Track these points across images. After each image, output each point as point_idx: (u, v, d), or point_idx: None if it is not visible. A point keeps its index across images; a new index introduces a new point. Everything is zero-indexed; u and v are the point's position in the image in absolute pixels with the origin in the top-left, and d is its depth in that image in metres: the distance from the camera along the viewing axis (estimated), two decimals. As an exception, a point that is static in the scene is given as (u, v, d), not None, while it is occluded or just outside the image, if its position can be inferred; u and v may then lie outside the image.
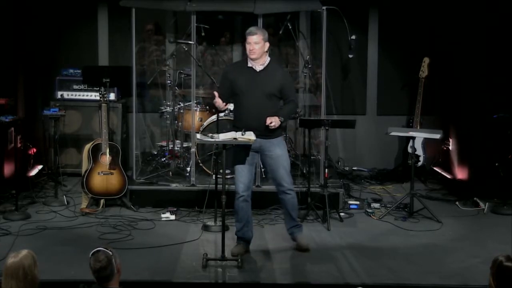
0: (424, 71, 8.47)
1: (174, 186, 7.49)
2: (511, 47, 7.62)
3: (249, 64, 5.93)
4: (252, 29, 5.95)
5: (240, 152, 5.91)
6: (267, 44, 5.91)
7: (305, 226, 6.74)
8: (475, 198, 7.55)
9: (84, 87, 8.52)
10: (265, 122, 5.78)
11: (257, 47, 5.83)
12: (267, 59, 5.94)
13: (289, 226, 6.16)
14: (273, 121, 5.78)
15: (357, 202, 7.51)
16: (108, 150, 7.24)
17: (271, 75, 5.90)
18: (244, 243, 6.05)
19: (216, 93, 5.96)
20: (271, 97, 5.90)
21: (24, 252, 3.55)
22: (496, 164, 7.54)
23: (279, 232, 6.56)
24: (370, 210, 7.34)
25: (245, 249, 6.03)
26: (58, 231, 6.55)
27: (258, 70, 5.91)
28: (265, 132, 5.87)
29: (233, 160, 5.95)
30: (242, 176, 5.92)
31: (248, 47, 5.87)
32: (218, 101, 5.94)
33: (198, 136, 6.10)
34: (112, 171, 7.26)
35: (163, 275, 5.47)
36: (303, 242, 6.11)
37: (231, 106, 7.72)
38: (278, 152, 5.96)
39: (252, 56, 5.87)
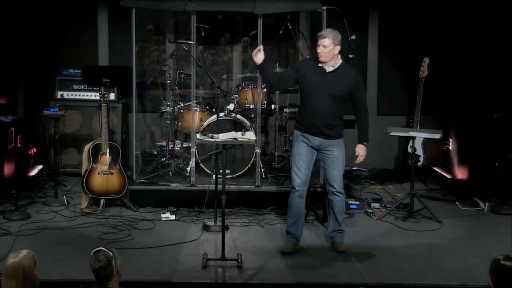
0: (424, 71, 8.47)
1: (174, 186, 7.49)
2: (511, 47, 7.62)
3: (320, 64, 5.92)
4: (323, 32, 5.94)
5: (300, 147, 5.97)
6: (338, 47, 5.87)
7: (305, 226, 6.75)
8: (475, 198, 7.55)
9: (84, 87, 8.52)
10: (329, 121, 5.92)
11: (326, 51, 5.83)
12: (338, 61, 5.93)
13: (332, 229, 6.20)
14: (362, 154, 6.09)
15: (357, 202, 7.51)
16: (108, 150, 7.24)
17: (341, 78, 5.89)
18: (294, 240, 6.11)
19: (261, 47, 5.87)
20: (338, 99, 5.91)
21: (24, 252, 3.55)
22: (496, 164, 7.54)
23: (279, 232, 6.56)
24: (370, 210, 7.35)
25: (294, 246, 6.08)
26: (58, 231, 6.55)
27: (327, 71, 5.91)
28: (326, 132, 5.95)
29: (293, 155, 6.03)
30: (300, 171, 5.98)
31: (317, 49, 5.87)
32: (260, 53, 5.81)
33: (198, 136, 6.13)
34: (112, 171, 7.26)
35: (163, 275, 5.47)
36: (341, 245, 6.12)
37: (230, 107, 7.78)
38: (335, 153, 6.02)
39: (321, 59, 5.87)
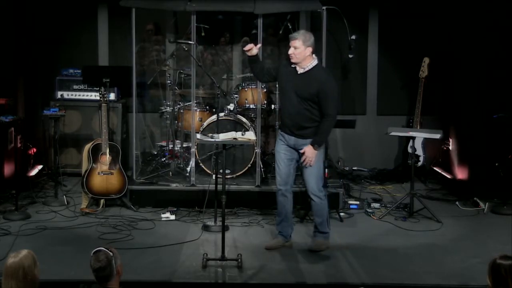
0: (424, 71, 8.47)
1: (174, 186, 7.49)
2: (511, 47, 7.62)
3: (293, 65, 5.92)
4: (294, 33, 5.94)
5: (278, 146, 6.04)
6: (310, 49, 5.81)
7: (305, 226, 6.76)
8: (475, 198, 7.55)
9: (84, 87, 8.52)
10: (299, 123, 5.86)
11: (297, 52, 5.80)
12: (311, 64, 5.87)
13: (314, 230, 6.22)
14: (308, 156, 5.82)
15: (357, 202, 7.51)
16: (108, 150, 7.24)
17: (310, 80, 5.82)
18: (281, 237, 6.17)
19: (259, 45, 6.08)
20: (306, 101, 5.84)
21: (24, 252, 3.55)
22: (496, 164, 7.54)
23: (279, 232, 6.57)
24: (370, 210, 7.35)
25: (281, 244, 6.15)
26: (58, 231, 6.55)
27: (298, 73, 5.89)
28: (296, 133, 5.93)
29: (275, 154, 6.13)
30: (280, 170, 6.05)
31: (289, 50, 5.86)
32: (255, 50, 5.97)
33: (198, 136, 6.13)
34: (112, 171, 7.26)
35: (163, 275, 5.47)
36: (317, 245, 6.10)
37: (230, 107, 7.78)
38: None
39: (292, 60, 5.86)
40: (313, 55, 5.93)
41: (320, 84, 5.79)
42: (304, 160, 5.86)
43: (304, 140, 5.91)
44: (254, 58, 6.06)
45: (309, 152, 5.84)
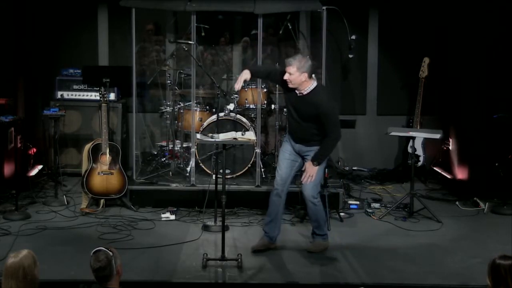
0: (424, 71, 8.48)
1: (174, 186, 7.49)
2: (511, 47, 7.62)
3: None
4: (290, 59, 5.81)
5: (285, 145, 6.05)
6: (305, 75, 5.69)
7: (305, 226, 6.76)
8: (475, 198, 7.55)
9: (84, 87, 8.52)
10: (302, 136, 5.88)
11: (292, 78, 5.72)
12: (309, 87, 5.77)
13: (311, 231, 6.20)
14: (308, 172, 5.78)
15: (357, 202, 7.51)
16: (108, 150, 7.24)
17: (308, 104, 5.77)
18: (267, 238, 6.11)
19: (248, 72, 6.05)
20: (307, 119, 5.82)
21: (24, 252, 3.55)
22: (496, 164, 7.54)
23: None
24: (370, 210, 7.35)
25: (267, 245, 6.09)
26: (58, 231, 6.55)
27: (297, 94, 5.85)
28: (299, 142, 5.94)
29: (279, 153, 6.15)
30: (281, 169, 6.02)
31: (284, 76, 5.79)
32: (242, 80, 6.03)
33: (198, 136, 6.13)
34: (112, 171, 7.26)
35: (163, 275, 5.48)
36: (315, 245, 6.10)
37: (230, 107, 7.78)
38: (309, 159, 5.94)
39: (288, 85, 5.80)
40: (313, 76, 5.85)
41: (318, 108, 5.72)
42: (303, 177, 5.81)
43: (309, 147, 5.90)
44: (252, 74, 6.08)
45: (309, 168, 5.81)
